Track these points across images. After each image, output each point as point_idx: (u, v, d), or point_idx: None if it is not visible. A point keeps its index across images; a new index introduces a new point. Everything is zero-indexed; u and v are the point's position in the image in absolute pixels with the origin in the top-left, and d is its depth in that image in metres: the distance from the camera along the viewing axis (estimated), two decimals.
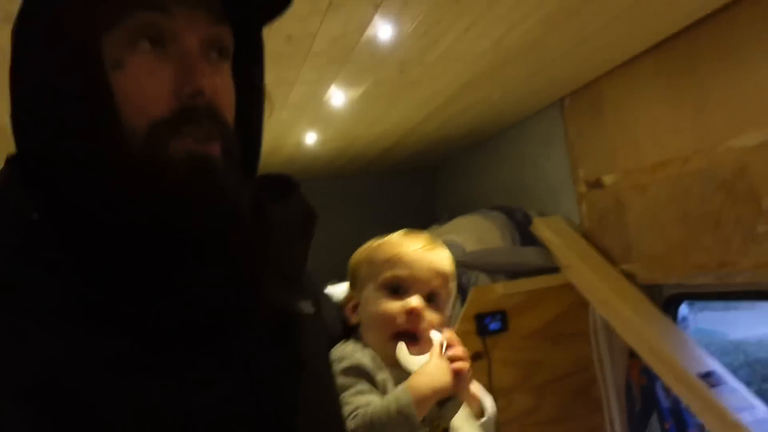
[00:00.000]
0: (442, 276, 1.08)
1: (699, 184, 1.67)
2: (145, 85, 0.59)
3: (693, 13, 1.61)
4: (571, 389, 2.13)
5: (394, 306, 1.03)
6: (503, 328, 2.06)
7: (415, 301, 1.03)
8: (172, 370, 0.58)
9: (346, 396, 0.92)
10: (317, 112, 2.05)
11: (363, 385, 0.95)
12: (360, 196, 3.53)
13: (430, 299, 1.05)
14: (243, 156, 0.66)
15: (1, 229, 0.59)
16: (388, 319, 1.02)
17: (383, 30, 1.43)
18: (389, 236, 1.12)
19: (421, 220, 3.25)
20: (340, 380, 0.94)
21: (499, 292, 2.07)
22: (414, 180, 3.55)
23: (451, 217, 2.70)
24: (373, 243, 1.12)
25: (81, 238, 0.58)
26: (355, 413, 0.90)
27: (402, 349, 1.00)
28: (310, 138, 2.41)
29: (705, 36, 1.63)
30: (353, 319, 1.08)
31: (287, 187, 0.75)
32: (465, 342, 1.97)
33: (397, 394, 0.92)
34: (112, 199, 0.58)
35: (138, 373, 0.57)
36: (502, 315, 2.07)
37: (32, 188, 0.60)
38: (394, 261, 1.05)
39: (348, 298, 1.10)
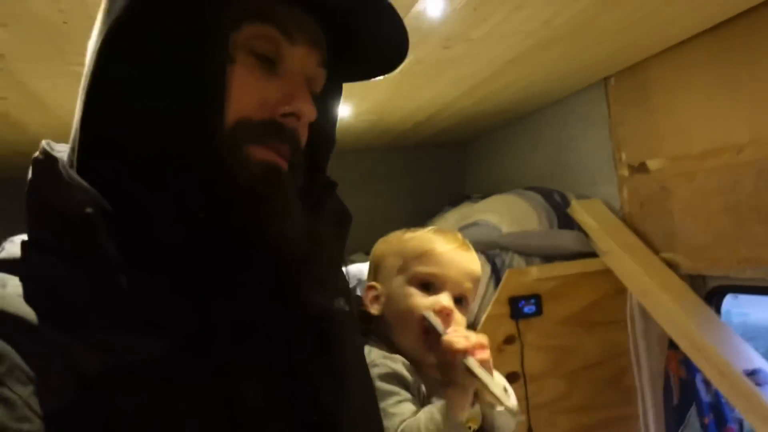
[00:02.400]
0: (473, 279, 1.06)
1: (753, 175, 1.60)
2: (248, 88, 0.59)
3: None
4: (604, 377, 2.09)
5: (425, 302, 0.99)
6: (537, 312, 2.03)
7: (446, 300, 1.00)
8: (217, 375, 0.57)
9: (389, 405, 0.89)
10: (354, 85, 1.98)
11: (404, 394, 0.92)
12: (389, 170, 3.48)
13: (458, 301, 1.03)
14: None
15: (49, 224, 0.57)
16: (418, 315, 0.99)
17: (433, 5, 1.37)
18: (420, 231, 1.08)
19: (450, 197, 3.20)
20: (379, 386, 0.91)
21: (534, 275, 2.03)
22: (444, 156, 3.50)
23: (484, 195, 2.65)
24: (402, 235, 1.09)
25: (136, 235, 0.56)
26: (402, 426, 0.88)
27: (499, 384, 0.96)
28: (344, 110, 2.36)
29: (764, 21, 1.55)
30: (374, 310, 1.04)
31: (325, 187, 0.75)
32: (499, 325, 1.97)
33: (445, 411, 0.89)
34: (184, 192, 0.57)
35: (182, 377, 0.55)
36: (536, 299, 2.03)
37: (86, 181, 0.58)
38: (427, 257, 1.02)
39: (369, 288, 1.07)
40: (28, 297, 0.53)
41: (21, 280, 0.54)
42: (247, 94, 0.59)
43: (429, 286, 1.02)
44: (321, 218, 0.72)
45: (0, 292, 0.53)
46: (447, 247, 1.04)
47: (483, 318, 2.01)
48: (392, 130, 2.89)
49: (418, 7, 1.36)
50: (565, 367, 2.05)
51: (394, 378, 0.93)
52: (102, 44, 0.59)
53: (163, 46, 0.58)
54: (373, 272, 1.08)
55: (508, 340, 2.00)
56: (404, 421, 0.88)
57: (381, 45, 0.70)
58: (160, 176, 0.58)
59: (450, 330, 0.95)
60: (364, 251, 3.37)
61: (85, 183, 0.57)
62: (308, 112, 0.62)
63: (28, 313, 0.52)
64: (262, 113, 0.60)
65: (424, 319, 0.99)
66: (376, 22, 0.67)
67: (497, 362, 1.96)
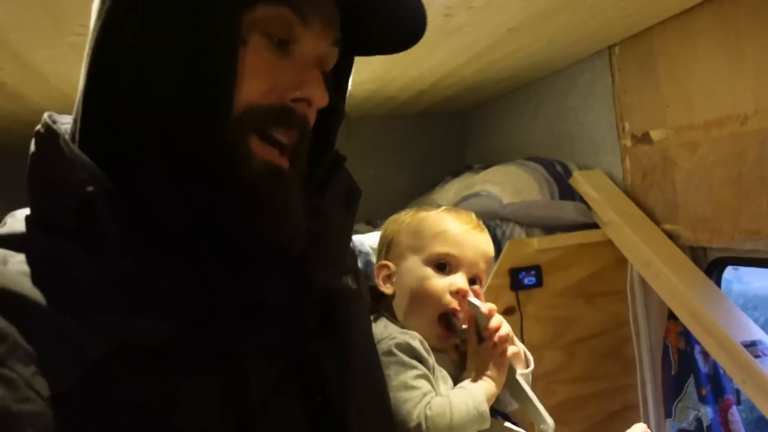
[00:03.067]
0: (487, 260, 1.06)
1: (757, 146, 1.58)
2: (259, 71, 0.58)
3: None
4: (604, 348, 2.10)
5: (441, 284, 0.99)
6: (537, 284, 2.03)
7: (462, 281, 0.99)
8: (223, 359, 0.56)
9: (409, 377, 0.89)
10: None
11: (422, 369, 0.92)
12: (389, 139, 3.46)
13: (472, 282, 1.02)
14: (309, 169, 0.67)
15: (51, 202, 0.56)
16: (434, 296, 0.99)
17: None
18: (434, 210, 1.07)
19: (451, 166, 3.18)
20: (399, 356, 0.91)
21: (534, 246, 2.02)
22: (445, 124, 3.47)
23: (485, 166, 2.63)
24: (416, 214, 1.07)
25: (139, 215, 0.55)
26: (429, 402, 0.88)
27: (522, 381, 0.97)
28: None
29: None
30: (386, 290, 1.04)
31: (334, 162, 0.74)
32: (498, 296, 1.97)
33: (473, 392, 0.90)
34: (186, 180, 0.57)
35: (187, 360, 0.55)
36: (536, 270, 2.03)
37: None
38: (443, 237, 1.02)
39: (381, 266, 1.06)
40: (33, 276, 0.52)
41: (26, 257, 0.53)
42: (258, 79, 0.58)
43: (444, 266, 1.01)
44: (329, 195, 0.71)
45: (0, 269, 0.52)
46: (462, 228, 1.04)
47: (484, 288, 2.01)
48: (394, 99, 2.86)
49: None
50: (564, 338, 2.05)
51: (408, 351, 0.93)
52: (106, 16, 0.57)
53: (172, 24, 0.56)
54: (385, 251, 1.07)
55: (508, 311, 2.00)
56: (426, 395, 0.88)
57: (397, 24, 0.68)
58: (161, 161, 0.56)
59: (490, 315, 0.96)
60: (364, 221, 3.38)
61: (86, 159, 0.56)
62: (320, 98, 0.61)
63: (31, 291, 0.51)
64: (271, 98, 0.59)
65: (440, 301, 0.99)
66: (393, 2, 0.66)
67: None
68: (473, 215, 1.08)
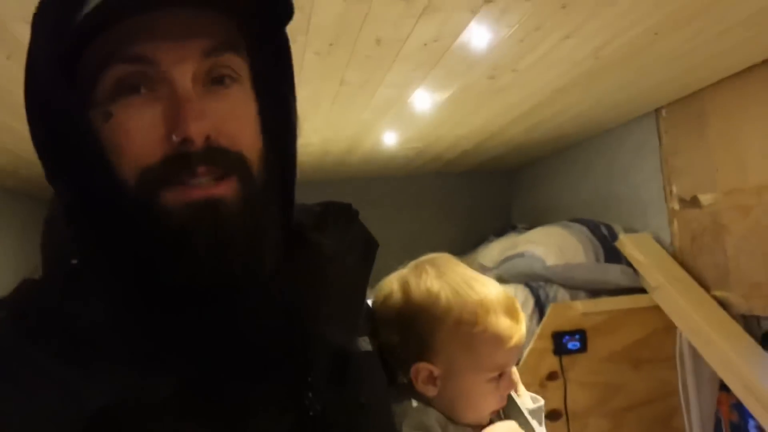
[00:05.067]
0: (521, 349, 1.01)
1: None
2: (132, 134, 0.54)
3: None
4: (651, 417, 2.01)
5: (496, 398, 0.94)
6: (582, 348, 1.97)
7: (510, 384, 0.95)
8: (225, 414, 0.55)
9: None
10: (399, 113, 1.99)
11: None
12: (434, 196, 3.46)
13: None
14: (276, 176, 0.61)
15: (51, 269, 0.58)
16: (492, 407, 0.94)
17: (478, 35, 1.35)
18: (472, 296, 0.91)
19: (496, 224, 3.16)
20: None
21: (579, 310, 1.98)
22: (491, 183, 3.46)
23: (530, 226, 2.60)
24: (453, 312, 0.91)
25: (115, 279, 0.56)
26: None
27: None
28: (389, 138, 2.35)
29: None
30: (430, 393, 0.90)
31: (347, 216, 0.71)
32: (541, 360, 1.92)
33: None
34: (118, 247, 0.55)
35: (191, 415, 0.53)
36: (581, 334, 1.98)
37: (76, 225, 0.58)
38: (496, 343, 0.90)
39: (422, 369, 0.97)
40: (34, 331, 0.53)
41: (29, 310, 0.55)
42: (135, 143, 0.54)
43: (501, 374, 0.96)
44: (336, 238, 0.67)
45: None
46: (508, 324, 0.94)
47: (525, 352, 1.96)
48: (439, 158, 2.87)
49: (463, 37, 1.35)
50: (610, 406, 1.98)
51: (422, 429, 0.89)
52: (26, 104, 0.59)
53: (43, 121, 0.57)
54: (417, 345, 0.91)
55: (551, 376, 1.95)
56: None
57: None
58: (89, 220, 0.57)
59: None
60: None
61: (71, 232, 0.58)
62: (195, 129, 0.54)
63: (31, 347, 0.52)
64: (161, 151, 0.54)
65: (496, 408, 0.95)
66: None
67: None
68: (514, 303, 0.99)
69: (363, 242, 0.71)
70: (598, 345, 1.97)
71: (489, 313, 0.89)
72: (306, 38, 1.29)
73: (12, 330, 0.53)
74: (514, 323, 0.91)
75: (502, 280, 2.49)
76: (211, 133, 0.55)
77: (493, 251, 2.61)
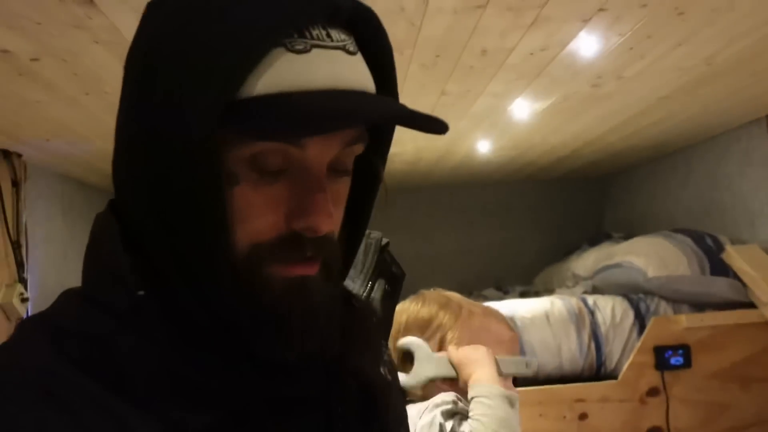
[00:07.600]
0: None
1: None
2: (256, 208, 0.54)
3: None
4: None
5: None
6: (686, 364, 1.90)
7: None
8: None
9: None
10: (496, 122, 1.97)
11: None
12: (524, 202, 3.41)
13: None
14: (346, 249, 0.62)
15: (108, 295, 0.56)
16: None
17: (587, 45, 1.32)
18: None
19: (586, 233, 3.08)
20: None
21: (682, 324, 1.92)
22: (583, 189, 3.39)
23: (626, 235, 2.53)
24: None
25: (177, 316, 0.55)
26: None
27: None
28: (483, 146, 2.33)
29: None
30: None
31: (375, 247, 0.72)
32: (641, 375, 1.87)
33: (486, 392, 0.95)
34: (208, 303, 0.55)
35: None
36: (684, 350, 1.91)
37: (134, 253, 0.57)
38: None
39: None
40: (86, 359, 0.52)
41: (78, 338, 0.54)
42: (256, 216, 0.54)
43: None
44: (373, 281, 0.70)
45: (54, 351, 0.52)
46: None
47: (625, 366, 1.91)
48: (533, 164, 2.83)
49: (571, 46, 1.32)
50: (716, 426, 1.90)
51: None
52: (117, 141, 0.57)
53: (164, 167, 0.54)
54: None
55: (652, 392, 1.88)
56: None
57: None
58: (182, 278, 0.55)
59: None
60: (494, 286, 3.32)
61: (131, 259, 0.56)
62: (323, 225, 0.54)
63: (83, 377, 0.52)
64: (278, 230, 0.54)
65: None
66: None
67: (638, 415, 1.86)
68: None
69: (390, 275, 0.73)
70: (704, 361, 1.90)
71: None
72: (413, 51, 1.30)
73: (57, 353, 0.52)
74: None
75: (597, 290, 2.44)
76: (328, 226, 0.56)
77: (587, 260, 2.55)
